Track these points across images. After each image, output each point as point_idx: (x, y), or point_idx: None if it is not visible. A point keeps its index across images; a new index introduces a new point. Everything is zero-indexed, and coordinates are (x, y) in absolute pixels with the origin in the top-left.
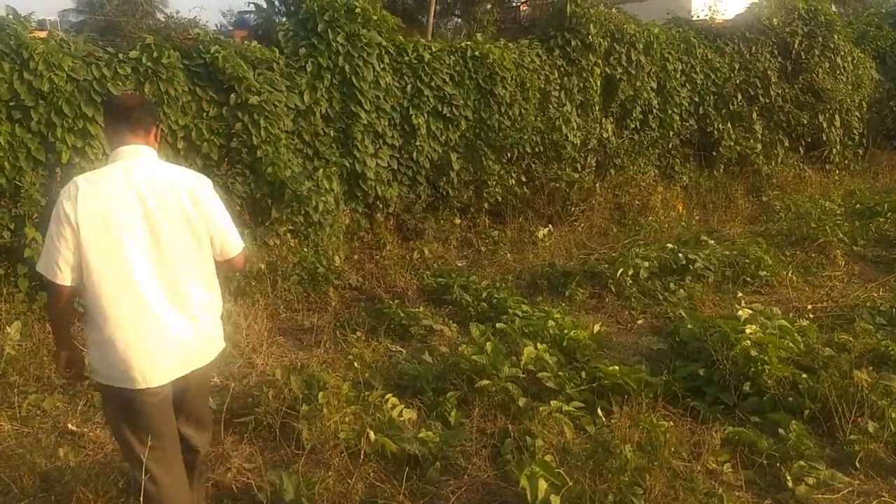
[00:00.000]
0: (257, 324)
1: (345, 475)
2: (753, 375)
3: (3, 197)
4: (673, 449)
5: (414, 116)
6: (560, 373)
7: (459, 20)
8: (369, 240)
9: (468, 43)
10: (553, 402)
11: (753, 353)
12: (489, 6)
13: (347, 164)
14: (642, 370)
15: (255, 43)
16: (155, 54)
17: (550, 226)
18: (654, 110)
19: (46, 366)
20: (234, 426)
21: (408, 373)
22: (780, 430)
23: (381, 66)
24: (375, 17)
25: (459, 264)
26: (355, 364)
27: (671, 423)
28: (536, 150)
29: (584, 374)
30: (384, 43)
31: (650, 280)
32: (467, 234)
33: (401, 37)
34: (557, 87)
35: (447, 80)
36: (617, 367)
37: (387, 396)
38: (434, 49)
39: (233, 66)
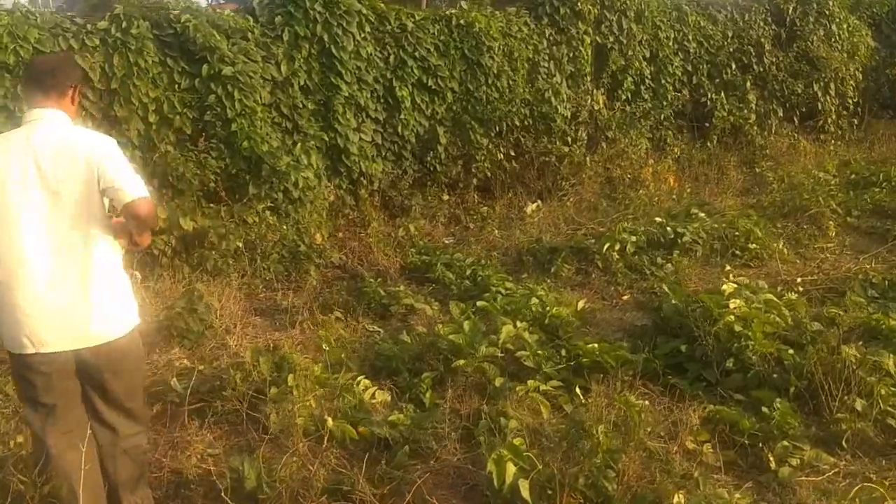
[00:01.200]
0: (232, 304)
1: (309, 461)
2: (737, 352)
3: None
4: (649, 429)
5: (398, 88)
6: (539, 351)
7: None
8: (354, 217)
9: (453, 11)
10: (530, 382)
11: (737, 328)
12: None
13: (328, 139)
14: (623, 347)
15: (227, 11)
16: (124, 24)
17: (539, 201)
18: (647, 80)
19: None
20: (199, 410)
21: (384, 353)
22: (764, 409)
23: (362, 35)
24: None
25: (447, 241)
26: (325, 346)
27: (647, 401)
28: (525, 122)
29: (563, 353)
30: (364, 11)
31: (637, 255)
32: (455, 211)
33: (382, 4)
34: (546, 57)
35: (432, 50)
36: (596, 345)
37: (358, 378)
38: (417, 17)
39: (204, 36)
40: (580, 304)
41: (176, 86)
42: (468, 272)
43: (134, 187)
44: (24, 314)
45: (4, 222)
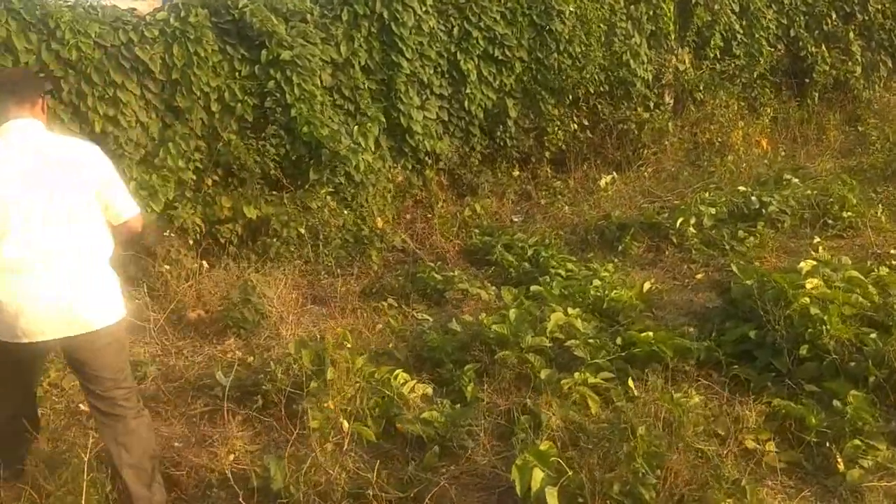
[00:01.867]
0: (290, 292)
1: (337, 461)
2: (811, 337)
3: None
4: (701, 428)
5: (462, 62)
6: (591, 340)
7: None
8: (422, 197)
9: None
10: (577, 374)
11: (813, 311)
12: None
13: (392, 118)
14: (686, 334)
15: None
16: (182, 14)
17: (615, 173)
18: (739, 36)
19: None
20: (241, 405)
21: (428, 344)
22: (836, 402)
23: (423, 8)
24: None
25: (515, 220)
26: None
27: (703, 395)
28: (601, 89)
29: (619, 341)
30: None
31: (715, 229)
32: (526, 187)
33: None
34: (624, 18)
35: (498, 18)
36: (651, 333)
37: (395, 372)
38: None
39: (261, 21)
40: (646, 286)
41: (237, 73)
42: (529, 253)
43: (130, 205)
44: (20, 307)
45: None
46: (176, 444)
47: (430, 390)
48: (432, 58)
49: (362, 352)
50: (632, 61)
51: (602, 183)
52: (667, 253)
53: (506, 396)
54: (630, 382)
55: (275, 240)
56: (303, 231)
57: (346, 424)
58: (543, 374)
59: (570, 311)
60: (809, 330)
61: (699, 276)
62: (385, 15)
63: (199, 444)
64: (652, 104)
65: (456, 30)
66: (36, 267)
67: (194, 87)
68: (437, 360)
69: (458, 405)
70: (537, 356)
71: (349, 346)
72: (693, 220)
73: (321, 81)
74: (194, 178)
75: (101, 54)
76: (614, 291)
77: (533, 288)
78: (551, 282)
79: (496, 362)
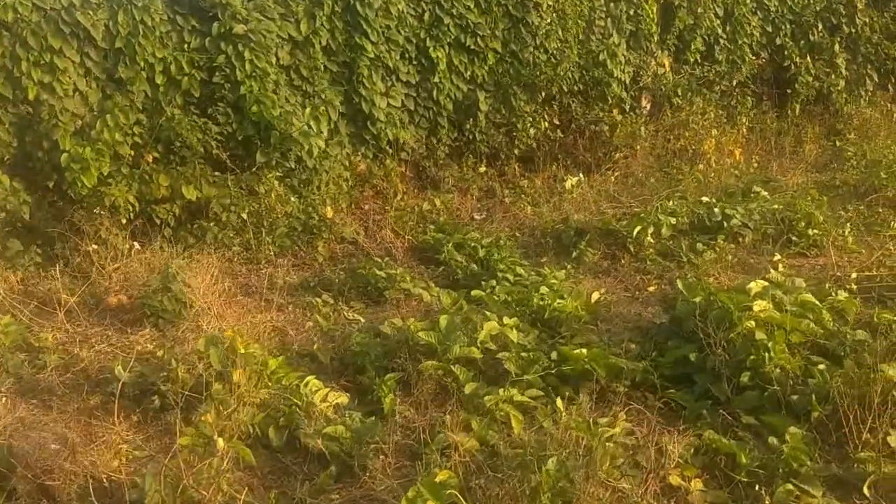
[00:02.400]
0: (221, 280)
1: (218, 476)
2: (753, 364)
3: None
4: (622, 460)
5: (432, 49)
6: (525, 353)
7: None
8: (382, 188)
9: None
10: (503, 390)
11: (758, 336)
12: None
13: (354, 103)
14: (629, 350)
15: None
16: None
17: (582, 175)
18: (722, 41)
19: None
20: (141, 404)
21: (352, 348)
22: (772, 439)
23: None
24: None
25: (476, 217)
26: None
27: (630, 421)
28: (575, 87)
29: (555, 356)
30: None
31: (674, 240)
32: (491, 184)
33: None
34: (603, 15)
35: (471, 6)
36: (584, 350)
37: (307, 379)
38: None
39: None
40: (594, 296)
41: (185, 45)
42: (481, 254)
43: None
44: None
45: None
46: (53, 446)
47: (345, 399)
48: (399, 43)
49: (282, 352)
50: (609, 61)
51: (567, 184)
52: (622, 262)
53: (425, 411)
54: (559, 402)
55: (213, 224)
56: (245, 216)
57: (220, 443)
58: (468, 389)
59: (507, 320)
60: (752, 356)
61: (651, 288)
62: None
63: (86, 444)
64: (627, 107)
65: (427, 15)
66: None
67: (138, 58)
68: (360, 367)
69: (374, 417)
70: (464, 368)
71: (271, 343)
72: (651, 230)
73: (277, 59)
74: (132, 153)
75: (39, 17)
76: (559, 301)
77: (474, 292)
78: (496, 287)
79: (420, 372)
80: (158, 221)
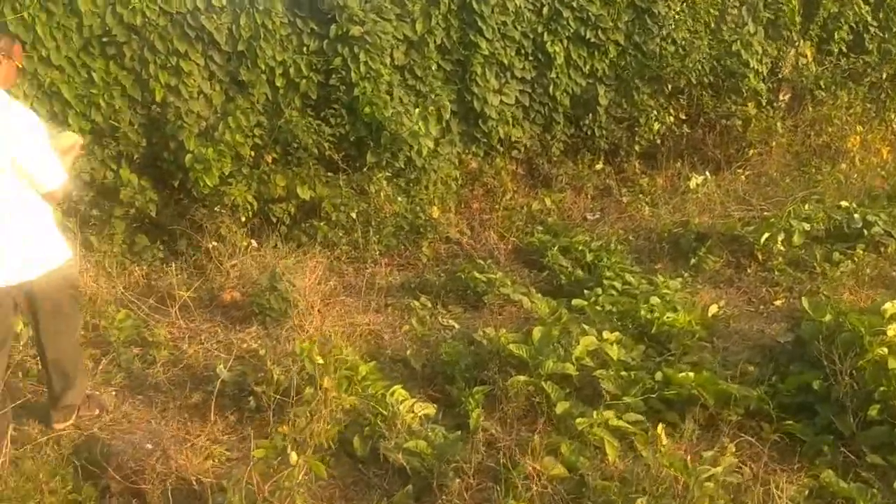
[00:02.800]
0: (326, 279)
1: (293, 491)
2: (883, 397)
3: (103, 136)
4: (723, 502)
5: (549, 44)
6: (626, 372)
7: None
8: (493, 186)
9: None
10: (598, 413)
11: (892, 364)
12: None
13: (466, 101)
14: (747, 372)
15: None
16: None
17: (708, 173)
18: (872, 28)
19: None
20: (239, 404)
21: (443, 357)
22: None
23: None
24: None
25: (588, 217)
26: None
27: (738, 456)
28: (705, 79)
29: (660, 376)
30: None
31: (806, 248)
32: (608, 182)
33: None
34: (737, 3)
35: None
36: (691, 374)
37: (393, 388)
38: None
39: None
40: (712, 309)
41: (304, 48)
42: (588, 258)
43: (47, 179)
44: None
45: None
46: (147, 445)
47: (431, 411)
48: (516, 39)
49: (375, 356)
50: (743, 51)
51: (692, 183)
52: (748, 271)
53: (512, 430)
54: (660, 430)
55: (324, 223)
56: (354, 215)
57: (294, 457)
58: (559, 409)
59: (607, 334)
60: (883, 388)
61: (778, 302)
62: None
63: (181, 444)
64: (763, 100)
65: (545, 9)
66: None
67: (260, 61)
68: (450, 376)
69: (459, 432)
70: (556, 386)
71: (366, 347)
72: (782, 237)
73: (392, 60)
74: (252, 154)
75: (166, 21)
76: (668, 314)
77: (575, 301)
78: (601, 295)
79: (510, 387)
80: (274, 220)
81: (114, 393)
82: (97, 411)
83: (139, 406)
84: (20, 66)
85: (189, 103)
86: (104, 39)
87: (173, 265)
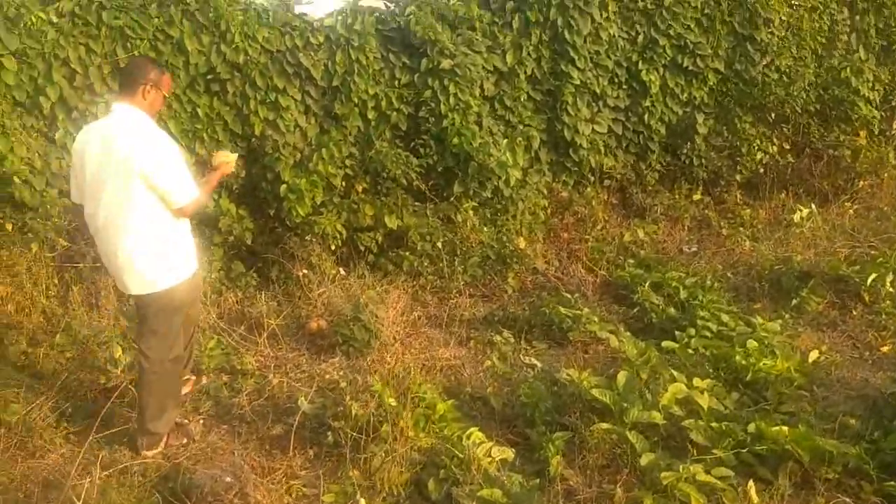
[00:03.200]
0: (410, 309)
1: None
2: None
3: (206, 168)
4: None
5: (644, 72)
6: (716, 423)
7: None
8: (584, 215)
9: None
10: (685, 467)
11: None
12: None
13: (556, 131)
14: (843, 426)
15: (454, 0)
16: (349, 21)
17: (814, 206)
18: None
19: None
20: (318, 438)
21: (523, 398)
22: None
23: (604, 15)
24: None
25: (685, 250)
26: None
27: None
28: (811, 108)
29: (752, 428)
30: None
31: None
32: (707, 213)
33: None
34: (847, 29)
35: (692, 26)
36: (785, 429)
37: (470, 430)
38: None
39: (424, 28)
40: (813, 355)
41: (396, 81)
42: (682, 296)
43: (177, 196)
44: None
45: (88, 195)
46: (227, 479)
47: (510, 455)
48: (609, 67)
49: (454, 394)
50: (853, 79)
51: (796, 217)
52: (853, 314)
53: (593, 480)
54: (751, 486)
55: (409, 253)
56: (440, 245)
57: (363, 502)
58: (644, 460)
59: (697, 381)
60: None
61: (886, 348)
62: (559, 22)
63: (261, 475)
64: (875, 129)
65: (641, 38)
66: (98, 234)
67: (353, 95)
68: (530, 419)
69: (537, 481)
70: (642, 435)
71: (446, 384)
72: (891, 277)
73: (482, 91)
74: (343, 184)
75: (266, 58)
76: (765, 360)
77: (665, 343)
78: (694, 337)
79: (592, 434)
80: (362, 249)
81: (201, 421)
82: (185, 440)
83: (224, 436)
84: (167, 95)
85: (286, 136)
86: (208, 77)
87: (265, 293)
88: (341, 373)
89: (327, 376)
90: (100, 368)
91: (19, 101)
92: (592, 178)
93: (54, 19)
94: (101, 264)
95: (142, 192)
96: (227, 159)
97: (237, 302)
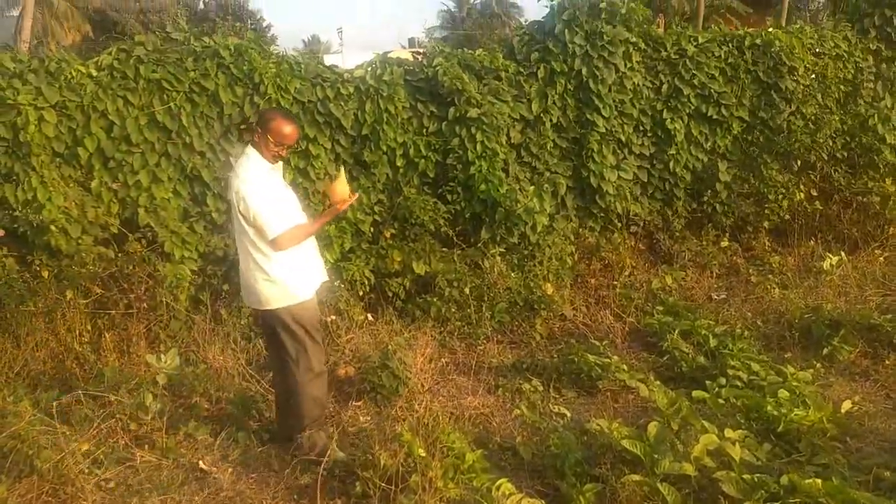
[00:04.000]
0: (438, 356)
1: None
2: None
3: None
4: None
5: (669, 121)
6: (747, 475)
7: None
8: (611, 261)
9: (748, 32)
10: None
11: None
12: None
13: (583, 178)
14: (877, 479)
15: (480, 51)
16: (378, 72)
17: (843, 253)
18: None
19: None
20: (347, 487)
21: (553, 448)
22: None
23: (628, 65)
24: (623, 11)
25: (714, 297)
26: (493, 419)
27: None
28: (839, 155)
29: (786, 480)
30: (633, 39)
31: None
32: (735, 259)
33: (660, 29)
34: (872, 78)
35: (716, 75)
36: (819, 481)
37: (499, 482)
38: (701, 40)
39: (451, 79)
40: (845, 405)
41: (424, 129)
42: (712, 344)
43: (267, 231)
44: None
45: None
46: None
47: None
48: (634, 116)
49: (483, 443)
50: (880, 126)
51: (826, 265)
52: (886, 363)
53: None
54: None
55: (437, 299)
56: (468, 290)
57: None
58: None
59: (729, 432)
60: None
61: None
62: (583, 72)
63: None
64: None
65: (665, 87)
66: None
67: (382, 143)
68: (559, 470)
69: None
70: (673, 488)
71: (475, 433)
72: None
73: (509, 139)
74: (372, 230)
75: (298, 108)
76: (797, 411)
77: (696, 393)
78: (725, 386)
79: (623, 486)
80: (390, 295)
81: (230, 470)
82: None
83: (252, 485)
84: (275, 142)
85: (316, 183)
86: (242, 127)
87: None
88: (370, 419)
89: (355, 423)
90: (130, 416)
91: (58, 151)
92: (619, 224)
93: (94, 73)
94: (133, 310)
95: (244, 225)
96: (343, 196)
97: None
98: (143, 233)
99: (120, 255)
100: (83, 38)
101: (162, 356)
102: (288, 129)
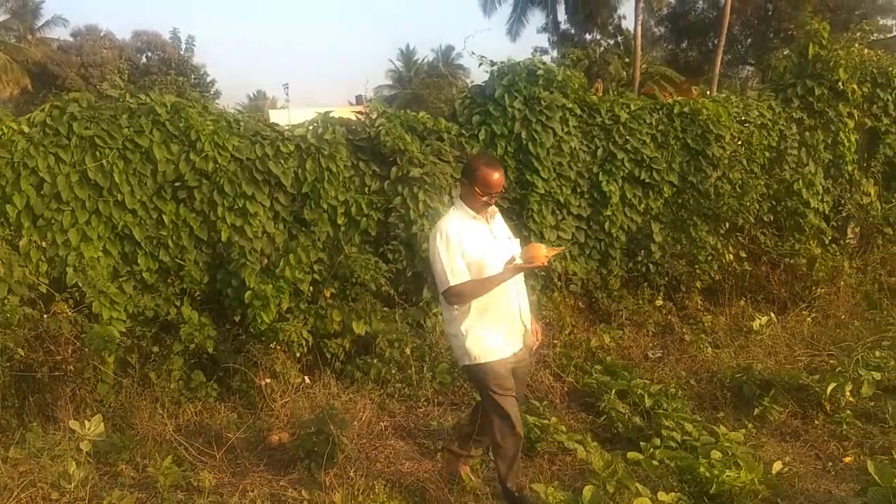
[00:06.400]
0: (377, 420)
1: None
2: None
3: (169, 275)
4: None
5: (605, 183)
6: None
7: (751, 68)
8: (552, 320)
9: (677, 100)
10: None
11: None
12: (786, 51)
13: (523, 237)
14: None
15: (423, 113)
16: (320, 130)
17: (772, 314)
18: None
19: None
20: None
21: None
22: None
23: (565, 129)
24: (560, 78)
25: (651, 356)
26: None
27: None
28: (766, 218)
29: None
30: (569, 105)
31: (877, 400)
32: (670, 318)
33: (595, 96)
34: (796, 145)
35: (647, 140)
36: None
37: None
38: (633, 108)
39: (394, 139)
40: (776, 466)
41: (366, 188)
42: (647, 404)
43: (438, 284)
44: None
45: None
46: None
47: None
48: (571, 178)
49: None
50: (804, 191)
51: (755, 325)
52: (815, 423)
53: None
54: None
55: (377, 360)
56: (408, 352)
57: None
58: None
59: (662, 495)
60: None
61: (848, 458)
62: (523, 135)
63: None
64: (828, 238)
65: (600, 151)
66: None
67: (322, 201)
68: None
69: None
70: None
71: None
72: (850, 387)
73: (451, 198)
74: (311, 289)
75: (236, 166)
76: (729, 472)
77: (630, 455)
78: (658, 447)
79: None
80: (329, 356)
81: None
82: None
83: None
84: (480, 190)
85: (253, 242)
86: (176, 184)
87: (225, 403)
88: (304, 489)
89: (287, 493)
90: (52, 484)
91: None
92: (559, 283)
93: (26, 129)
94: (59, 373)
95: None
96: (537, 255)
97: (196, 413)
98: (71, 293)
99: (46, 315)
100: (21, 92)
101: (87, 422)
102: (494, 176)
